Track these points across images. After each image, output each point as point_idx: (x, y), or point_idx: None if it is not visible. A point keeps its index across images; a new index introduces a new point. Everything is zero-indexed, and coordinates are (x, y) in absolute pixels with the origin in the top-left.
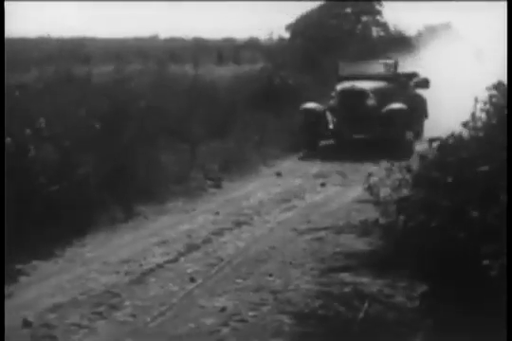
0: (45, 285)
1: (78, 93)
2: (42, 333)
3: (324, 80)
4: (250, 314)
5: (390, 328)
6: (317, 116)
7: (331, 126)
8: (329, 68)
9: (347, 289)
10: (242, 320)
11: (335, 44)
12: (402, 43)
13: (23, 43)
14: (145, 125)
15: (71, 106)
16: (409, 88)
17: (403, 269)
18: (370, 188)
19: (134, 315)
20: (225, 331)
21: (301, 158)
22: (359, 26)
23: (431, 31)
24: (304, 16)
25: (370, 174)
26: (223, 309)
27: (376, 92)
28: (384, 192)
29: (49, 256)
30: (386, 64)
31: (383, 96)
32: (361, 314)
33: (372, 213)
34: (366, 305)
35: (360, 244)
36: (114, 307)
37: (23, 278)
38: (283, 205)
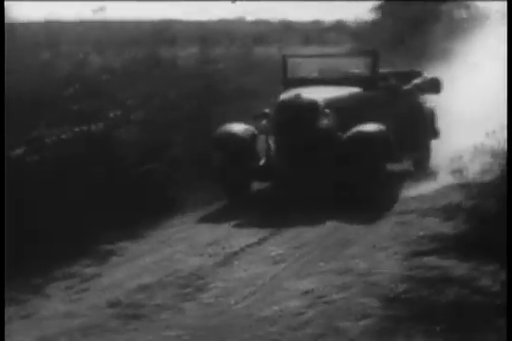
0: (133, 266)
1: (166, 74)
2: (129, 313)
3: (411, 61)
4: (335, 296)
5: (475, 311)
6: (242, 146)
7: (263, 161)
8: (418, 48)
9: (432, 273)
10: (326, 303)
11: (422, 25)
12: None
13: (105, 26)
14: (234, 106)
15: (161, 88)
16: (403, 96)
17: (489, 253)
18: (458, 171)
19: (219, 297)
20: (310, 313)
21: (204, 218)
22: (444, 7)
23: None
24: None
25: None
26: (307, 292)
27: (337, 105)
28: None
29: (138, 237)
30: (360, 61)
31: (350, 111)
32: (446, 298)
33: (456, 197)
34: (451, 289)
35: (445, 228)
36: (200, 289)
37: (112, 259)
38: None
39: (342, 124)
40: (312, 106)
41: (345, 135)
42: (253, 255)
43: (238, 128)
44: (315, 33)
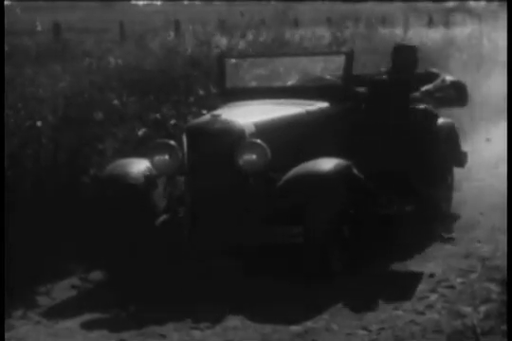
0: None
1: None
2: None
3: None
4: (458, 280)
5: None
6: (130, 195)
7: (162, 218)
8: None
9: None
10: (450, 287)
11: None
12: None
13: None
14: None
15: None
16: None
17: None
18: None
19: None
20: (433, 297)
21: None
22: None
23: None
24: None
25: None
26: (431, 275)
27: (280, 129)
28: None
29: None
30: (329, 61)
31: (299, 138)
32: None
33: None
34: None
35: None
36: None
37: None
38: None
39: (287, 160)
40: (234, 134)
41: (283, 179)
42: None
43: (134, 168)
44: (439, 14)
